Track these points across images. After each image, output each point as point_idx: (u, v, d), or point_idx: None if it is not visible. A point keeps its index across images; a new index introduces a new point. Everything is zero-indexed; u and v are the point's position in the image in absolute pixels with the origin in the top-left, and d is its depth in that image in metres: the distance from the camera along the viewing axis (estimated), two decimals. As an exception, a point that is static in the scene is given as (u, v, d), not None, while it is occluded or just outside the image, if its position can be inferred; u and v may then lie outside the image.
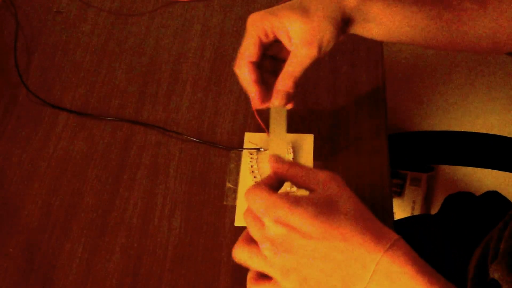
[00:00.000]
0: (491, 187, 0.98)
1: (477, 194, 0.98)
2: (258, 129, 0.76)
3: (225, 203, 0.71)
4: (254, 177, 0.72)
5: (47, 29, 0.89)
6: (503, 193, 0.95)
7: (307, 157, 0.73)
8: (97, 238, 0.69)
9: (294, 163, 0.59)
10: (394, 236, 0.55)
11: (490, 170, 1.02)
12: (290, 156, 0.72)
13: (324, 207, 0.55)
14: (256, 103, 0.68)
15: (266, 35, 0.67)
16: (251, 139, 0.75)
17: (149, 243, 0.69)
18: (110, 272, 0.67)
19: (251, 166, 0.73)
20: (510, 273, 0.64)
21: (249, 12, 0.87)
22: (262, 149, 0.74)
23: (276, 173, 0.59)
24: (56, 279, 0.67)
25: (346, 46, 0.83)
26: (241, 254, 0.57)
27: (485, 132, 0.99)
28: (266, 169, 0.72)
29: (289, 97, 0.67)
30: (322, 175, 0.57)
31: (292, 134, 0.75)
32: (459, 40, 0.71)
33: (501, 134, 0.98)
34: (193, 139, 0.76)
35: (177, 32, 0.87)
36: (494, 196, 0.95)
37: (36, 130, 0.78)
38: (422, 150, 1.04)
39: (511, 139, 0.98)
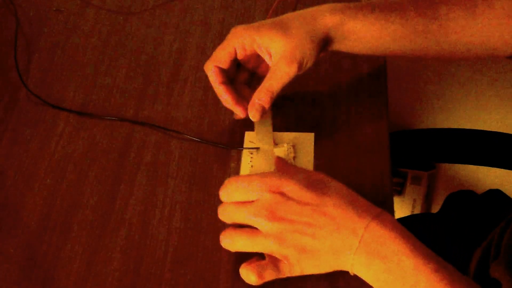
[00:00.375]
0: (493, 185, 0.98)
1: (479, 192, 0.98)
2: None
3: (225, 202, 0.71)
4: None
5: (47, 28, 0.89)
6: (505, 191, 0.95)
7: (307, 156, 0.73)
8: (97, 238, 0.69)
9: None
10: (380, 209, 0.60)
11: (492, 168, 1.02)
12: (291, 156, 0.72)
13: (315, 182, 0.61)
14: (226, 102, 0.72)
15: (244, 48, 0.70)
16: (251, 138, 0.75)
17: (149, 243, 0.68)
18: (110, 272, 0.67)
19: (251, 166, 0.72)
20: (511, 272, 0.64)
21: (249, 9, 0.88)
22: (256, 148, 0.74)
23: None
24: (57, 279, 0.67)
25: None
26: (229, 237, 0.62)
27: (487, 129, 0.99)
28: (266, 169, 0.72)
29: (264, 111, 0.70)
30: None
31: (292, 133, 0.75)
32: (449, 49, 0.72)
33: (504, 132, 0.98)
34: (193, 138, 0.76)
35: (177, 30, 0.87)
36: (496, 195, 0.95)
37: (36, 130, 0.78)
38: (424, 148, 1.04)
39: (507, 135, 0.97)
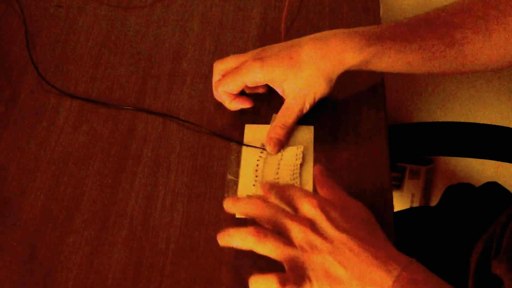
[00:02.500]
0: (490, 178, 0.98)
1: (477, 185, 0.98)
2: (258, 121, 0.76)
3: (226, 195, 0.71)
4: (256, 176, 0.72)
5: (48, 23, 0.89)
6: (503, 183, 0.95)
7: (307, 149, 0.73)
8: (99, 231, 0.69)
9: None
10: (410, 258, 0.58)
11: (489, 161, 1.02)
12: (298, 162, 0.72)
13: (354, 215, 0.60)
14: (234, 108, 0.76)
15: (256, 82, 0.73)
16: (251, 131, 0.75)
17: (151, 236, 0.69)
18: (112, 264, 0.67)
19: (257, 165, 0.73)
20: (512, 270, 0.65)
21: (248, 4, 0.88)
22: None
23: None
24: (59, 272, 0.67)
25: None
26: (258, 238, 0.59)
27: (484, 123, 1.00)
28: (271, 171, 0.72)
29: (281, 144, 0.72)
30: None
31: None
32: (465, 70, 0.72)
33: (501, 125, 0.98)
34: (206, 129, 0.76)
35: (177, 24, 0.87)
36: (493, 187, 0.95)
37: (38, 123, 0.79)
38: (422, 141, 1.04)
39: (510, 129, 0.98)
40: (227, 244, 0.62)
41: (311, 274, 0.57)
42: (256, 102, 0.78)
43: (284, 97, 0.73)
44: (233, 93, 0.74)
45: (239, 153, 0.74)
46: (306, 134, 0.75)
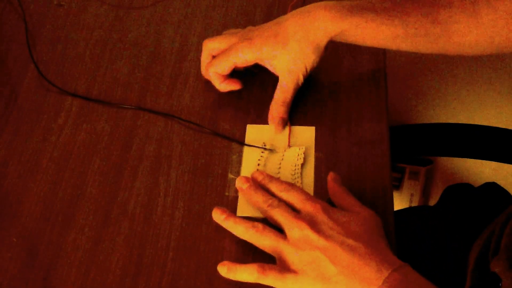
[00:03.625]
0: (490, 179, 0.99)
1: (476, 186, 0.99)
2: (260, 121, 0.77)
3: (227, 193, 0.71)
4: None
5: (48, 22, 0.89)
6: (501, 184, 0.96)
7: (308, 150, 0.74)
8: (100, 228, 0.70)
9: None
10: (403, 262, 0.58)
11: (488, 162, 1.03)
12: (299, 162, 0.73)
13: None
14: (223, 89, 0.77)
15: (246, 62, 0.74)
16: (253, 131, 0.76)
17: (152, 233, 0.69)
18: (113, 261, 0.67)
19: (258, 165, 0.73)
20: (510, 268, 0.65)
21: (251, 4, 0.88)
22: (270, 149, 0.74)
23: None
24: (60, 269, 0.67)
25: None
26: (259, 233, 0.62)
27: (484, 124, 1.00)
28: (272, 171, 0.72)
29: (285, 122, 0.74)
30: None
31: (294, 127, 0.76)
32: (453, 49, 0.72)
33: (500, 126, 0.99)
34: (198, 124, 0.76)
35: (179, 24, 0.88)
36: (492, 188, 0.96)
37: (39, 120, 0.79)
38: (422, 142, 1.05)
39: (509, 131, 0.98)
40: (228, 228, 0.65)
41: (298, 267, 0.59)
42: (257, 103, 0.78)
43: (277, 74, 0.75)
44: (224, 74, 0.76)
45: (240, 152, 0.74)
46: (307, 134, 0.75)
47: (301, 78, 0.74)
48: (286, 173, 0.72)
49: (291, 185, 0.66)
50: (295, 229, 0.60)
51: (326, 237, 0.59)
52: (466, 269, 0.78)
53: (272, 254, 0.62)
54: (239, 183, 0.68)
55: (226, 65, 0.75)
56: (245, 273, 0.60)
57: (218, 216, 0.66)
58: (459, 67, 1.41)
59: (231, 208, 0.70)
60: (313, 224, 0.60)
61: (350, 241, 0.58)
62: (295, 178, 0.71)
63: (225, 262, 0.62)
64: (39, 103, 0.80)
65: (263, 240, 0.62)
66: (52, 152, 0.76)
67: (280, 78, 0.74)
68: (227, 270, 0.62)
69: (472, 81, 1.36)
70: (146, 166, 0.74)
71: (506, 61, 1.37)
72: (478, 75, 1.38)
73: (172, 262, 0.67)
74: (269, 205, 0.64)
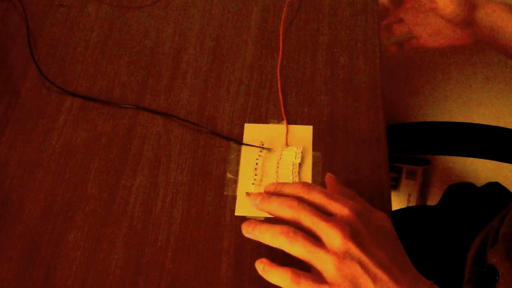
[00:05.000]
0: (488, 178, 0.99)
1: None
2: (258, 120, 0.77)
3: (225, 193, 0.72)
4: (255, 175, 0.73)
5: (49, 21, 0.89)
6: (500, 183, 0.96)
7: (306, 149, 0.74)
8: (99, 228, 0.70)
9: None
10: (430, 281, 0.56)
11: (485, 161, 1.03)
12: (297, 162, 0.73)
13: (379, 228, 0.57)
14: None
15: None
16: (251, 130, 0.76)
17: (151, 233, 0.70)
18: (112, 262, 0.68)
19: (256, 164, 0.74)
20: (508, 258, 0.65)
21: (248, 4, 0.89)
22: (268, 148, 0.75)
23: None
24: (60, 268, 0.68)
25: (344, 38, 0.84)
26: (290, 236, 0.55)
27: (480, 123, 1.00)
28: (270, 170, 0.73)
29: None
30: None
31: (291, 126, 0.76)
32: None
33: (496, 125, 0.99)
34: (196, 123, 0.77)
35: (177, 24, 0.88)
36: (495, 187, 0.96)
37: (39, 120, 0.79)
38: (419, 141, 1.05)
39: (506, 130, 0.99)
40: (255, 238, 0.57)
41: (336, 280, 0.54)
42: (256, 102, 0.79)
43: None
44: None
45: (238, 152, 0.75)
46: (305, 133, 0.75)
47: None
48: (284, 172, 0.72)
49: (308, 185, 0.58)
50: (335, 239, 0.54)
51: (367, 252, 0.54)
52: (464, 266, 0.78)
53: (306, 262, 0.55)
54: (251, 201, 0.59)
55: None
56: (277, 277, 0.55)
57: (246, 230, 0.58)
58: (456, 65, 1.41)
59: (229, 207, 0.71)
60: (354, 236, 0.54)
61: (385, 259, 0.54)
62: (293, 178, 0.72)
63: (263, 260, 0.56)
64: (40, 103, 0.81)
65: (297, 247, 0.55)
66: (53, 151, 0.76)
67: None
68: (262, 269, 0.56)
69: (468, 80, 1.36)
70: (145, 166, 0.75)
71: (503, 59, 1.37)
72: (474, 73, 1.39)
73: (171, 262, 0.67)
74: (291, 207, 0.56)
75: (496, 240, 0.70)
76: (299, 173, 0.72)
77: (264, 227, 0.56)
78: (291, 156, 0.73)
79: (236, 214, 0.70)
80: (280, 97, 0.78)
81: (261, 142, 0.75)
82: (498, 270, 0.65)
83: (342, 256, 0.53)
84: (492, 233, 0.73)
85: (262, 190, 0.71)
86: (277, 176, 0.72)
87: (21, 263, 0.68)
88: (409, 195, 1.46)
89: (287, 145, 0.75)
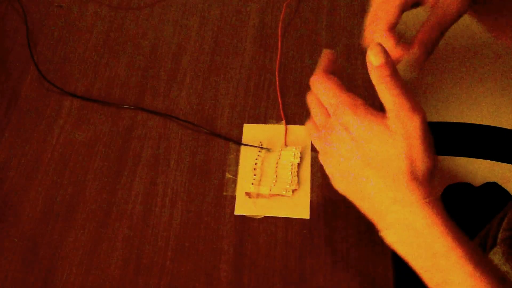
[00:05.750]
0: (485, 178, 1.00)
1: (471, 184, 1.00)
2: (257, 121, 0.77)
3: (225, 193, 0.72)
4: (254, 175, 0.73)
5: (48, 23, 0.90)
6: (498, 182, 0.97)
7: (305, 149, 0.75)
8: (99, 229, 0.70)
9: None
10: (438, 196, 0.55)
11: (482, 160, 1.03)
12: (296, 161, 0.73)
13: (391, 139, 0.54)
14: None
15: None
16: (250, 130, 0.77)
17: (151, 233, 0.70)
18: (112, 262, 0.68)
19: (255, 164, 0.74)
20: (507, 262, 0.65)
21: (246, 4, 0.89)
22: (267, 148, 0.75)
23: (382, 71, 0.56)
24: (60, 269, 0.68)
25: (342, 39, 0.84)
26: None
27: (478, 123, 1.01)
28: (269, 169, 0.73)
29: (432, 49, 0.60)
30: (407, 108, 0.55)
31: (290, 126, 0.76)
32: None
33: (494, 125, 0.99)
34: (195, 124, 0.77)
35: (176, 24, 0.88)
36: (493, 187, 0.96)
37: (39, 122, 0.79)
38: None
39: (503, 129, 0.99)
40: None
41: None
42: (255, 102, 0.79)
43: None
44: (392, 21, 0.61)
45: (237, 152, 0.75)
46: (304, 133, 0.76)
47: (465, 3, 0.59)
48: (283, 172, 0.73)
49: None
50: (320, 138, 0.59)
51: (343, 155, 0.57)
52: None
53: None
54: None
55: (393, 11, 0.60)
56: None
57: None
58: (453, 66, 1.42)
59: (228, 207, 0.71)
60: (331, 136, 0.58)
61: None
62: (292, 177, 0.72)
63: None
64: (39, 104, 0.81)
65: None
66: (52, 152, 0.77)
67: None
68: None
69: (466, 82, 1.37)
70: (144, 166, 0.75)
71: (500, 59, 1.38)
72: (471, 74, 1.39)
73: (170, 262, 0.68)
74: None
75: (494, 244, 0.70)
76: (298, 173, 0.73)
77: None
78: (290, 156, 0.74)
79: (235, 213, 0.70)
80: (279, 97, 0.79)
81: (260, 142, 0.75)
82: None
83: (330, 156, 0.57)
84: (490, 235, 0.73)
85: (261, 191, 0.71)
86: (276, 176, 0.72)
87: (21, 264, 0.68)
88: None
89: (286, 145, 0.75)
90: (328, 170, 0.59)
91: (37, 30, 0.89)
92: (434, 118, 1.43)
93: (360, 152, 0.55)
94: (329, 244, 0.68)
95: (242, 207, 0.71)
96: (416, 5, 0.63)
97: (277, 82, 0.80)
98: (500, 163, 1.00)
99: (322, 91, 0.59)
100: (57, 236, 0.70)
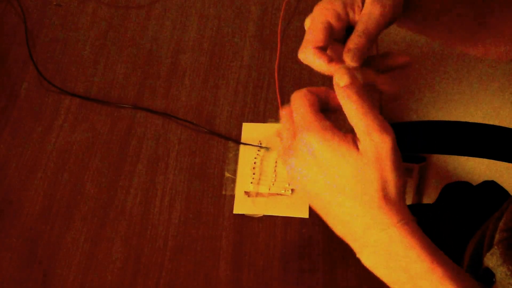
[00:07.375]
0: (483, 176, 1.00)
1: (469, 183, 1.00)
2: (256, 120, 0.78)
3: (223, 192, 0.72)
4: (253, 174, 0.73)
5: (47, 22, 0.90)
6: (496, 181, 0.97)
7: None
8: (98, 228, 0.70)
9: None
10: (412, 216, 0.54)
11: (481, 159, 1.03)
12: None
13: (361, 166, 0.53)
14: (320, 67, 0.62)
15: (339, 16, 0.62)
16: (249, 129, 0.77)
17: (150, 233, 0.70)
18: (111, 261, 0.68)
19: (254, 163, 0.74)
20: (504, 263, 0.65)
21: (246, 4, 0.89)
22: (266, 148, 0.75)
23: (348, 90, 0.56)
24: (59, 269, 0.68)
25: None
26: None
27: (476, 122, 1.01)
28: (268, 168, 0.73)
29: (363, 56, 0.60)
30: (377, 128, 0.54)
31: (289, 125, 0.76)
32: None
33: (492, 123, 1.00)
34: (194, 123, 0.77)
35: (175, 23, 0.88)
36: (491, 186, 0.96)
37: (38, 121, 0.79)
38: (415, 140, 1.05)
39: (502, 128, 0.99)
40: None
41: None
42: (254, 101, 0.79)
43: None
44: (319, 44, 0.62)
45: (236, 151, 0.75)
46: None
47: (388, 8, 0.60)
48: (282, 171, 0.73)
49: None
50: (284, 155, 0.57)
51: (305, 176, 0.56)
52: (462, 266, 0.79)
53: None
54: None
55: (316, 27, 0.61)
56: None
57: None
58: (451, 65, 1.42)
59: (227, 206, 0.71)
60: (294, 155, 0.56)
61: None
62: (291, 177, 0.72)
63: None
64: (38, 103, 0.81)
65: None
66: (51, 151, 0.77)
67: (364, 9, 0.61)
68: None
69: (464, 79, 1.37)
70: (143, 166, 0.75)
71: (494, 63, 1.38)
72: (470, 72, 1.39)
73: (169, 261, 0.68)
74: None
75: (491, 244, 0.70)
76: (296, 172, 0.73)
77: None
78: None
79: (234, 212, 0.70)
80: (278, 96, 0.79)
81: (259, 141, 0.75)
82: (495, 274, 0.66)
83: (293, 175, 0.56)
84: (488, 236, 0.73)
85: (260, 190, 0.71)
86: (276, 175, 0.72)
87: (20, 263, 0.68)
88: (405, 193, 1.46)
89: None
90: (297, 191, 0.57)
91: (36, 29, 0.89)
92: (433, 117, 1.43)
93: (329, 178, 0.54)
94: (327, 243, 0.68)
95: (241, 206, 0.71)
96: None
97: (276, 81, 0.80)
98: (498, 161, 1.00)
99: (295, 107, 0.57)
100: (56, 237, 0.70)
